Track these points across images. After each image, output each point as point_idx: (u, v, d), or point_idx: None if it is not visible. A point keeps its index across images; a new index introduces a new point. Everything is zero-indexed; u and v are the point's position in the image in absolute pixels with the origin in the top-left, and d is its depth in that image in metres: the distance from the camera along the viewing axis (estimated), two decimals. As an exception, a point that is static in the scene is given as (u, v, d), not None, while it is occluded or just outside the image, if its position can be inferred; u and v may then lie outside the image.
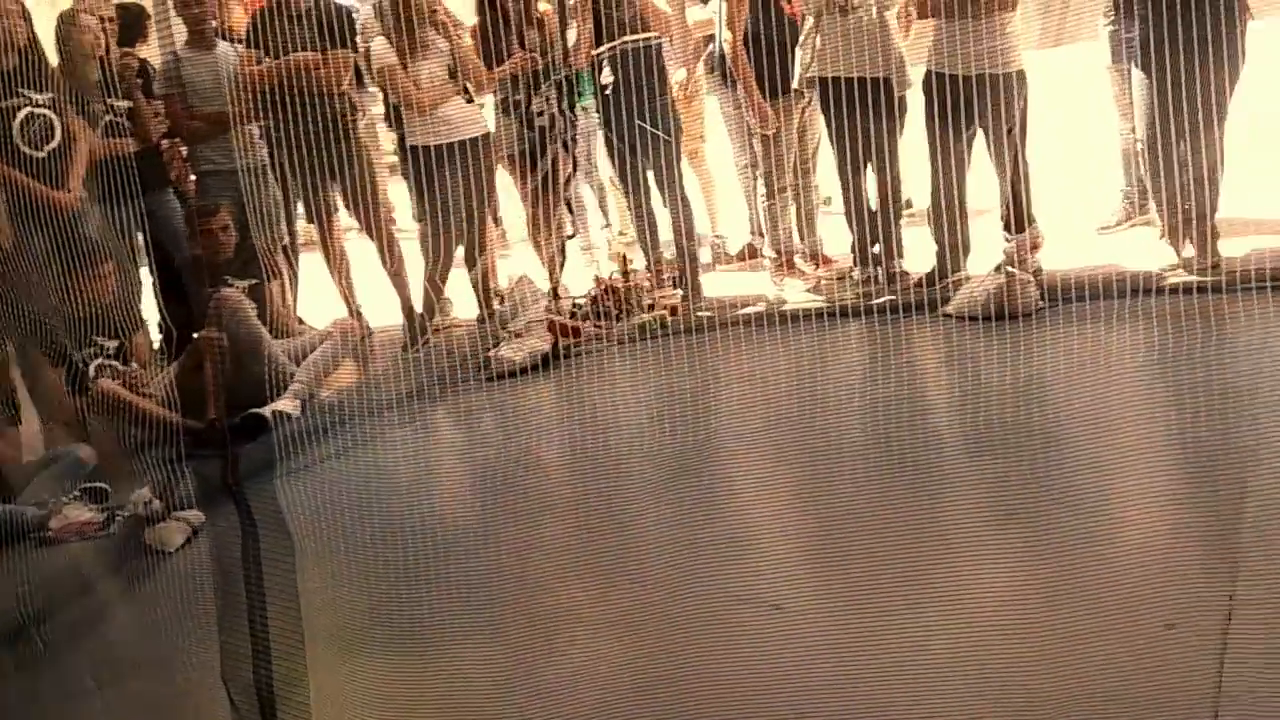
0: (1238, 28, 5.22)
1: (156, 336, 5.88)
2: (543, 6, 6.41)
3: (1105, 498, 3.56)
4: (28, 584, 3.95)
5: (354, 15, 6.52)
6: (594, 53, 6.35)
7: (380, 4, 6.62)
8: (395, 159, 7.27)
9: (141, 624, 3.87)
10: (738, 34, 6.27)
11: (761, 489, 4.27)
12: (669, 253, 6.60)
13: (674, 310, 6.30)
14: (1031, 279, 5.48)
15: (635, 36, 6.33)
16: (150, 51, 6.30)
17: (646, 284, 6.46)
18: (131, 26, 6.19)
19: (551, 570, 3.72)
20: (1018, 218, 5.77)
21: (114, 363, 5.28)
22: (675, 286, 6.53)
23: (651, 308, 6.32)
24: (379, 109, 7.08)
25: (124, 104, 5.77)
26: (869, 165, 6.01)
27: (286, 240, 6.35)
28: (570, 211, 6.71)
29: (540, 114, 6.29)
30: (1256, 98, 5.60)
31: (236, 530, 3.02)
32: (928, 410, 4.60)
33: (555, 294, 6.43)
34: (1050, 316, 5.35)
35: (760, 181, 6.55)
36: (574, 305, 6.50)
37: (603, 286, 6.40)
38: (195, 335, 5.42)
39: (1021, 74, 5.63)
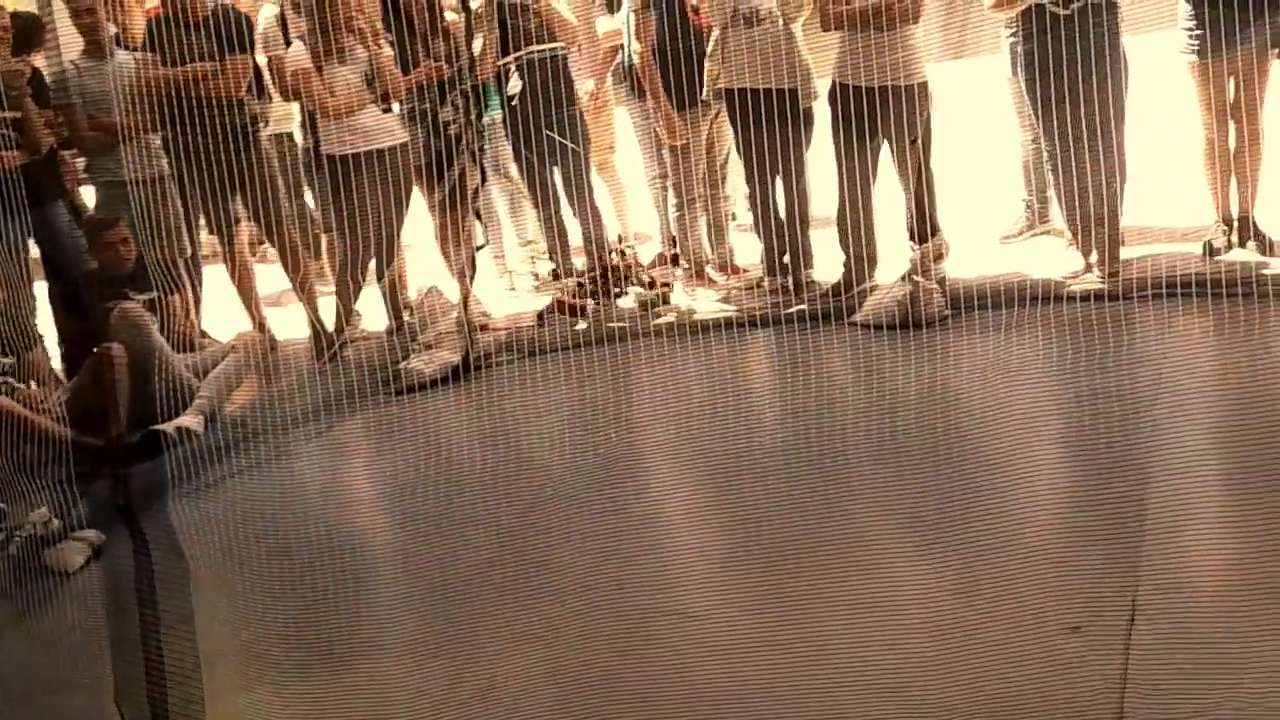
0: (1119, 38, 5.34)
1: (55, 352, 5.73)
2: (449, 16, 6.36)
3: (1010, 502, 3.61)
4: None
5: (252, 22, 6.40)
6: (500, 63, 6.31)
7: (283, 12, 6.53)
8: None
9: (36, 647, 3.76)
10: (646, 45, 6.28)
11: (674, 498, 4.28)
12: (580, 261, 6.60)
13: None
14: (937, 288, 5.54)
15: (541, 46, 6.32)
16: (46, 61, 6.13)
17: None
18: (24, 34, 6.02)
19: (466, 584, 3.68)
20: (923, 228, 5.83)
21: (9, 379, 5.13)
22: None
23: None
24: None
25: (10, 114, 5.61)
26: (777, 176, 6.05)
27: (189, 252, 6.22)
28: (480, 222, 6.66)
29: (448, 124, 6.23)
30: (1154, 109, 5.73)
31: (130, 551, 2.93)
32: (837, 418, 4.62)
33: (466, 304, 6.38)
34: (955, 325, 5.42)
35: (671, 192, 6.56)
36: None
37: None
38: (94, 350, 5.28)
39: (925, 86, 5.70)
